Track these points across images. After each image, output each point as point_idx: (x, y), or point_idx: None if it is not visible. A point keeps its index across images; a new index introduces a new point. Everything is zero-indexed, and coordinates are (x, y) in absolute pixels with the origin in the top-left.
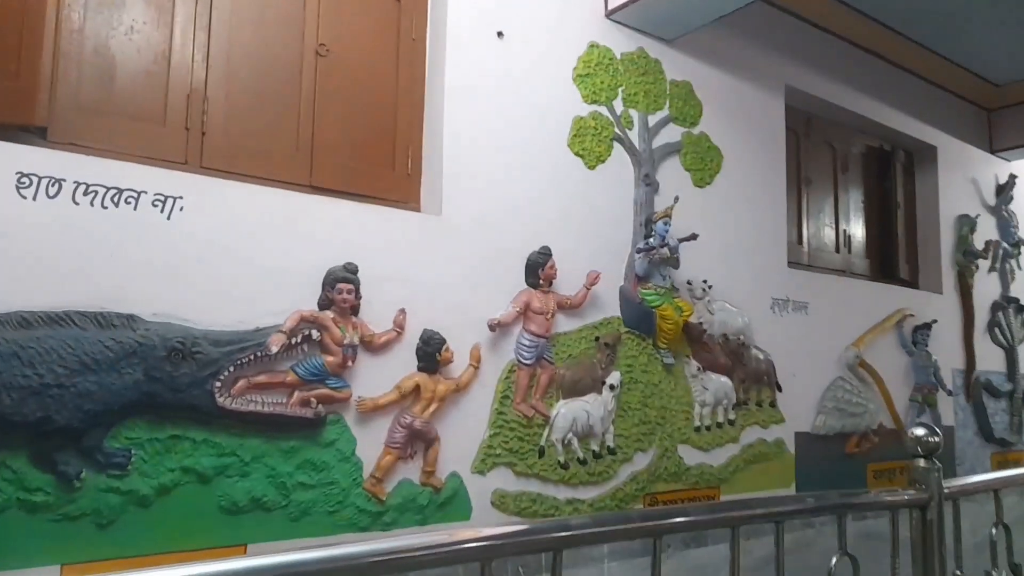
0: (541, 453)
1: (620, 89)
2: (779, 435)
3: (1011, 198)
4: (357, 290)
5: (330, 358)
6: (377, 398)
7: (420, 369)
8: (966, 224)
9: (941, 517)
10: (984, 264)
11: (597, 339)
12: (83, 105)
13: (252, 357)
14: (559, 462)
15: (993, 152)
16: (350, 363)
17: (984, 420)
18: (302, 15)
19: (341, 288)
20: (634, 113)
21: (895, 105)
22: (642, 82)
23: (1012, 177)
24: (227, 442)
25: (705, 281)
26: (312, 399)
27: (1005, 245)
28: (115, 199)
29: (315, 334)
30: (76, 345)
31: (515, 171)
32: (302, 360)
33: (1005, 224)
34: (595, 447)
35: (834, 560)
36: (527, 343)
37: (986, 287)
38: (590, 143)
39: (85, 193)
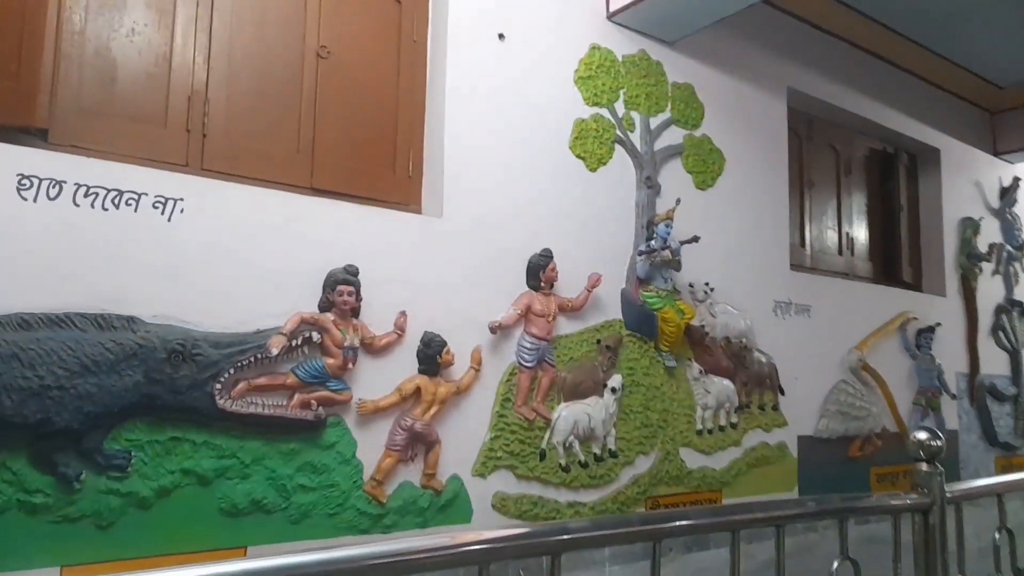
0: (542, 456)
1: (622, 91)
2: (781, 438)
3: (1015, 201)
4: (358, 292)
5: (330, 360)
6: (378, 400)
7: (421, 371)
8: (970, 227)
9: (944, 521)
10: (988, 267)
11: (598, 342)
12: (84, 107)
13: (252, 359)
14: (560, 465)
15: (997, 154)
16: (351, 365)
17: (988, 424)
18: (303, 17)
19: (342, 290)
20: (636, 115)
21: (898, 107)
22: (644, 84)
23: (1016, 180)
24: (227, 444)
25: (707, 284)
26: (312, 401)
27: (1009, 248)
28: (116, 201)
29: (315, 336)
30: (76, 347)
31: (516, 173)
32: (302, 362)
33: (1009, 227)
34: (596, 450)
35: (835, 564)
36: (528, 345)
37: (990, 290)
38: (591, 145)
39: (86, 195)
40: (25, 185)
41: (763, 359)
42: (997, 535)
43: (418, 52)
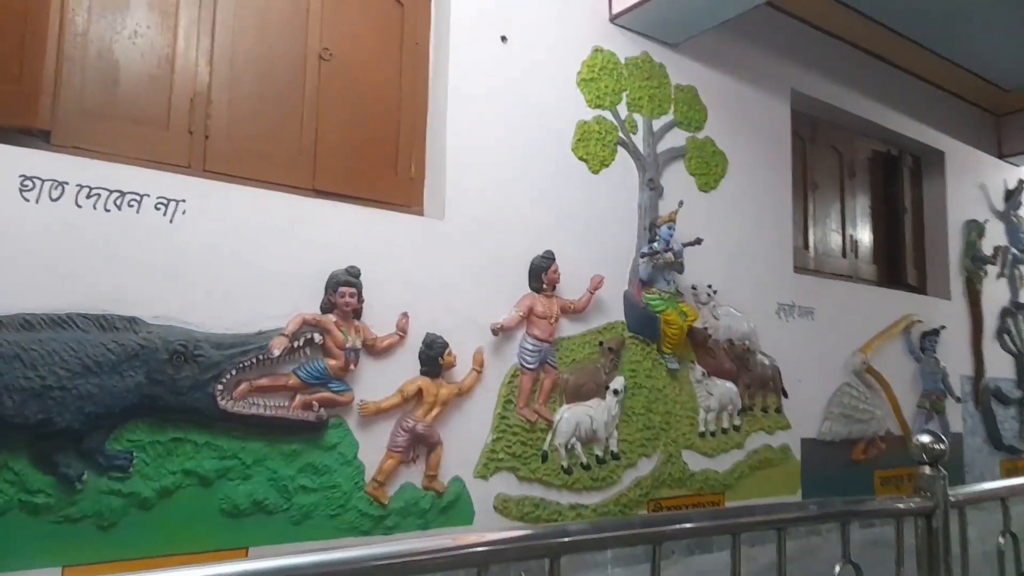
0: (544, 458)
1: (624, 93)
2: (785, 441)
3: (1020, 203)
4: (359, 293)
5: (332, 361)
6: (379, 402)
7: (423, 373)
8: (974, 229)
9: (947, 525)
10: (993, 270)
11: (601, 344)
12: (86, 109)
13: (254, 360)
14: (562, 467)
15: (1002, 157)
16: (352, 366)
17: (993, 427)
18: (305, 19)
19: (343, 291)
20: (638, 117)
21: (902, 110)
22: (646, 86)
23: (1021, 182)
24: (229, 445)
25: (710, 286)
26: (314, 402)
27: (1014, 251)
28: (118, 202)
29: (317, 337)
30: (78, 347)
31: (518, 175)
32: (304, 363)
33: (1014, 229)
34: (599, 452)
35: (837, 568)
36: (530, 347)
37: (995, 293)
38: (594, 147)
39: (88, 196)
40: (28, 186)
41: (766, 361)
42: (1001, 539)
43: (420, 54)
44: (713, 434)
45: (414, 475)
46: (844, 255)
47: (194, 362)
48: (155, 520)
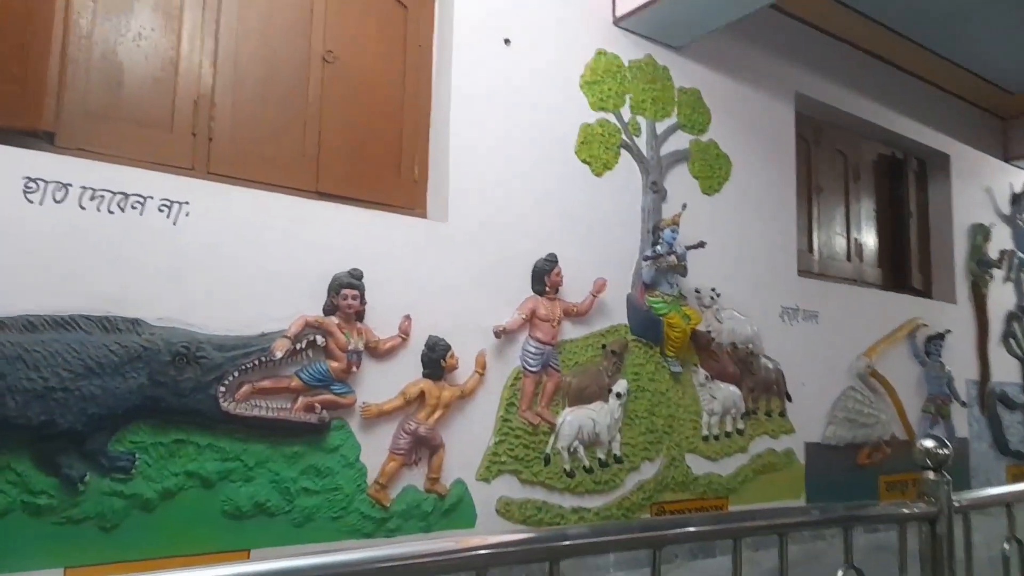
0: (547, 461)
1: (628, 96)
2: (789, 445)
3: None
4: (362, 296)
5: (335, 364)
6: (382, 404)
7: (425, 375)
8: (980, 233)
9: (951, 531)
10: (999, 274)
11: (604, 347)
12: (90, 111)
13: (256, 362)
14: (565, 470)
15: (1008, 160)
16: (355, 369)
17: (999, 432)
18: (309, 22)
19: (346, 294)
20: (642, 120)
21: (907, 113)
22: (650, 89)
23: None
24: (231, 447)
25: (713, 289)
26: (316, 404)
27: (1020, 255)
28: (121, 204)
29: (320, 340)
30: (81, 349)
31: (521, 178)
32: (307, 365)
33: (1020, 233)
34: (601, 455)
35: (840, 573)
36: (533, 350)
37: (1001, 297)
38: (597, 150)
39: (92, 198)
40: (32, 188)
41: (770, 365)
42: (1007, 545)
43: (423, 57)
44: (716, 438)
45: (416, 478)
46: (849, 259)
47: (196, 364)
48: (157, 522)
